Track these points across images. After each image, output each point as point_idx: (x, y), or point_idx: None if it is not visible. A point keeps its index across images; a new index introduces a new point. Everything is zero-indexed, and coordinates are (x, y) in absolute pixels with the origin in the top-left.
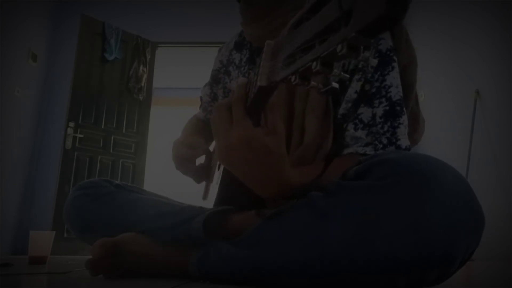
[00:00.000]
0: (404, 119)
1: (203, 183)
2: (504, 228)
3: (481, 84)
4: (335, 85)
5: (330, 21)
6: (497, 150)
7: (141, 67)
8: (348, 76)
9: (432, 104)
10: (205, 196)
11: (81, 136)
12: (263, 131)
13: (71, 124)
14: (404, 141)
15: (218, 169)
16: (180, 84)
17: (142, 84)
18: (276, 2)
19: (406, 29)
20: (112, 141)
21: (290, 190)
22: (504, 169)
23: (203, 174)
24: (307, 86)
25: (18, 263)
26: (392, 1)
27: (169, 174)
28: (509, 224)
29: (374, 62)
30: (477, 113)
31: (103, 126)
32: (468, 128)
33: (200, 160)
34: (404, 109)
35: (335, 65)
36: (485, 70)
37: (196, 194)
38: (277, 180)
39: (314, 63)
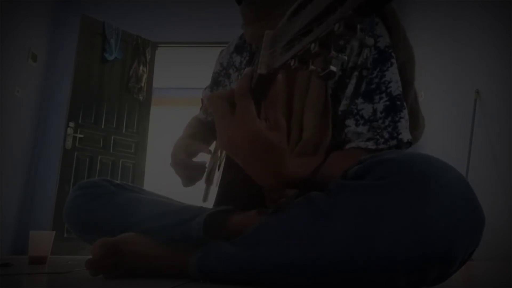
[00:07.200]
0: (405, 113)
1: (203, 185)
2: (504, 228)
3: (481, 84)
4: (333, 68)
5: (326, 5)
6: (497, 150)
7: (141, 67)
8: (345, 57)
9: (432, 104)
10: (205, 198)
11: (81, 136)
12: (266, 126)
13: (71, 124)
14: (405, 135)
15: (218, 170)
16: (180, 84)
17: (142, 84)
18: (276, 1)
19: (403, 27)
20: (112, 141)
21: (289, 181)
22: (504, 169)
23: (192, 181)
24: (306, 69)
25: (18, 263)
26: None
27: (169, 174)
28: (509, 224)
29: (370, 41)
30: (477, 113)
31: (103, 126)
32: (468, 128)
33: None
34: (405, 103)
35: (332, 46)
36: (485, 70)
37: (196, 194)
38: (277, 173)
39: (313, 45)
